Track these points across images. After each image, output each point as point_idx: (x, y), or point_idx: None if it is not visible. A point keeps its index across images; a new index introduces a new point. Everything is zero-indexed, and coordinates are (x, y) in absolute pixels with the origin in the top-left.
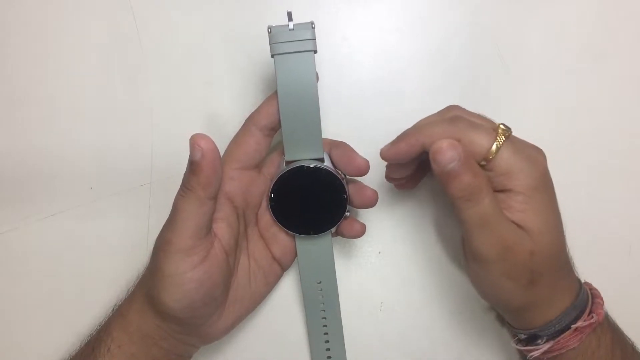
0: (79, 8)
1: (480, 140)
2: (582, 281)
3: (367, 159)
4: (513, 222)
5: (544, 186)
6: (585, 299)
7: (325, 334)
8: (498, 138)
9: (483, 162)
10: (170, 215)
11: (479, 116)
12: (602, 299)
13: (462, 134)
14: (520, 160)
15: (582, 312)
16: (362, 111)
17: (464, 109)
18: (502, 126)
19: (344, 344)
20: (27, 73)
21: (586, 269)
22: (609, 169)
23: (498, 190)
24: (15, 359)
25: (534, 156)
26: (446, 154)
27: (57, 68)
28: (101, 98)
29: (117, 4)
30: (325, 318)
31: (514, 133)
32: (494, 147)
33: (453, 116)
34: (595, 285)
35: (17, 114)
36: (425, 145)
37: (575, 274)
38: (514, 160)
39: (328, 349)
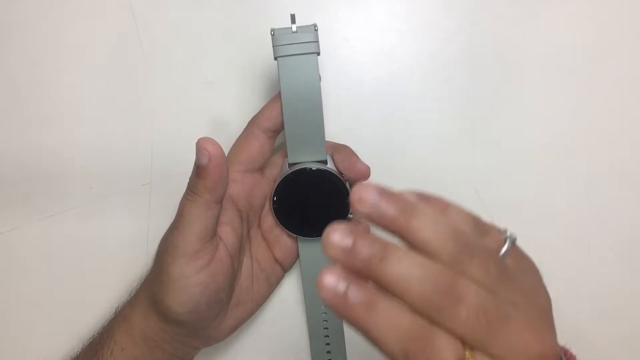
0: (79, 8)
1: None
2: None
3: (368, 158)
4: None
5: None
6: None
7: (327, 336)
8: None
9: None
10: (175, 218)
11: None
12: None
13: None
14: None
15: None
16: (362, 111)
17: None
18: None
19: (344, 345)
20: (27, 73)
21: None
22: (609, 169)
23: None
24: (15, 359)
25: None
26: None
27: (57, 68)
28: (101, 98)
29: (117, 4)
30: (326, 321)
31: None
32: None
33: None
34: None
35: (17, 114)
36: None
37: None
38: None
39: (329, 352)
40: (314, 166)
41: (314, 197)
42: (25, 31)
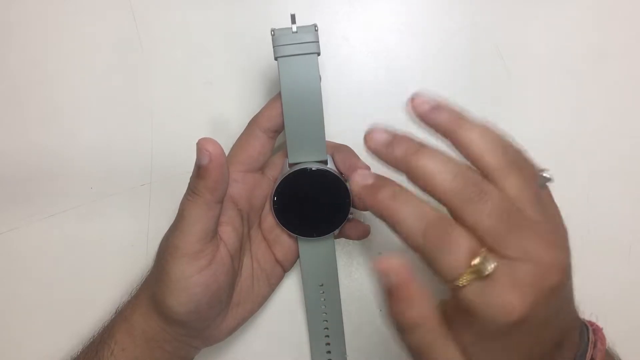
0: (79, 8)
1: (444, 269)
2: (588, 323)
3: (368, 159)
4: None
5: (503, 338)
6: (585, 350)
7: (327, 336)
8: (464, 277)
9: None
10: (176, 219)
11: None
12: (603, 343)
13: (433, 246)
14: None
15: None
16: (362, 111)
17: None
18: (477, 260)
19: (344, 346)
20: (27, 73)
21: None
22: (609, 169)
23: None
24: (15, 359)
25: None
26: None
27: (57, 68)
28: (101, 98)
29: (117, 4)
30: (326, 321)
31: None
32: (458, 283)
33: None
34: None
35: (18, 114)
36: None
37: (577, 328)
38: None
39: (329, 352)
40: (314, 166)
41: (314, 197)
42: (25, 31)
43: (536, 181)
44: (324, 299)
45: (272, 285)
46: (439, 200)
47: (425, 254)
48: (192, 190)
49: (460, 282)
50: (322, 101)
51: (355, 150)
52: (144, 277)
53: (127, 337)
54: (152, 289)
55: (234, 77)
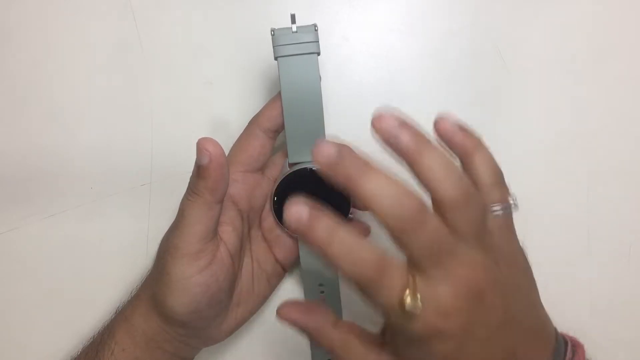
0: (79, 8)
1: (378, 304)
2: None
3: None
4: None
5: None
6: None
7: None
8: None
9: None
10: (176, 219)
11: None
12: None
13: (367, 286)
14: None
15: None
16: (362, 111)
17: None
18: (408, 302)
19: None
20: (27, 73)
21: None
22: (609, 169)
23: None
24: (15, 359)
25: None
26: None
27: (57, 68)
28: (101, 98)
29: (117, 4)
30: None
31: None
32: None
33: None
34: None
35: (18, 114)
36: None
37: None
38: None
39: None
40: (315, 166)
41: (314, 197)
42: (26, 32)
43: (496, 210)
44: (324, 299)
45: (272, 285)
46: (379, 221)
47: (362, 291)
48: (192, 190)
49: (392, 316)
50: (322, 101)
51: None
52: (144, 277)
53: (127, 337)
54: (152, 289)
55: (234, 77)
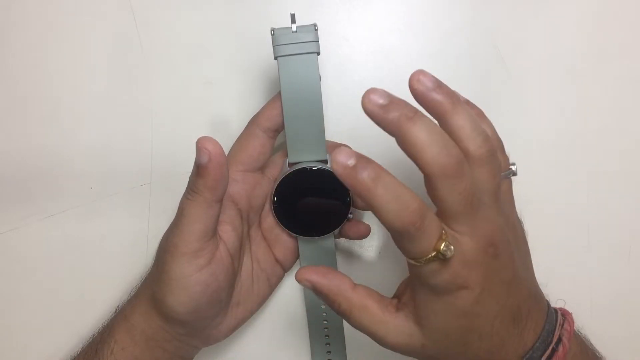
0: (79, 8)
1: (412, 251)
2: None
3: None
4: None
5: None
6: (552, 330)
7: (327, 336)
8: (428, 259)
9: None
10: (175, 218)
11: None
12: (571, 324)
13: (407, 232)
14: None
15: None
16: (362, 111)
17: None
18: (442, 247)
19: (344, 345)
20: (27, 73)
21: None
22: (609, 169)
23: None
24: (15, 359)
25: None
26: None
27: (57, 68)
28: (101, 98)
29: (117, 4)
30: (326, 321)
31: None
32: (421, 261)
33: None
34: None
35: (18, 114)
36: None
37: (542, 310)
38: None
39: (329, 352)
40: (315, 166)
41: (314, 197)
42: (26, 31)
43: (502, 174)
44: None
45: (272, 285)
46: (420, 167)
47: (398, 237)
48: (192, 189)
49: (424, 261)
50: (322, 101)
51: (355, 148)
52: (143, 276)
53: (126, 336)
54: (152, 288)
55: (234, 77)
